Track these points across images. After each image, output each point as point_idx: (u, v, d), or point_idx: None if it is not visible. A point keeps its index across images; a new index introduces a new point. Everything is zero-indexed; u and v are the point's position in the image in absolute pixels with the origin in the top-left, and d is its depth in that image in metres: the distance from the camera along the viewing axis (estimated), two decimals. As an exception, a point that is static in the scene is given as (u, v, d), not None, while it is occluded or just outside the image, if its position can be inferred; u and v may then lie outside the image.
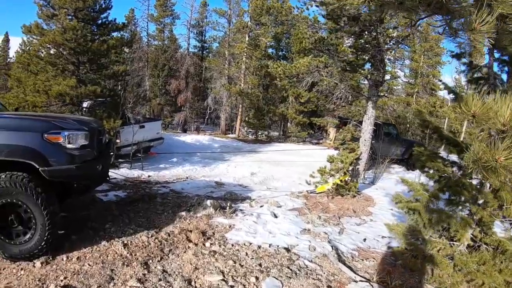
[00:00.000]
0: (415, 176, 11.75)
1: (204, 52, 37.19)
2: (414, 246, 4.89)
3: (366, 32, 9.55)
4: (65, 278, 4.11)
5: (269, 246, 5.52)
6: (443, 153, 5.39)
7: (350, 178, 9.62)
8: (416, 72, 28.91)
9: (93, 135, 4.97)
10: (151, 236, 5.46)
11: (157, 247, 5.14)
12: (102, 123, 7.07)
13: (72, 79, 10.99)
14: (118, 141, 12.53)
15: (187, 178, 11.50)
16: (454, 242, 4.66)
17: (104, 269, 4.37)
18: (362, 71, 10.57)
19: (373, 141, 10.65)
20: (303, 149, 20.75)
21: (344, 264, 5.24)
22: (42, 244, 4.31)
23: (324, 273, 4.85)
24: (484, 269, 4.24)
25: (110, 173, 9.91)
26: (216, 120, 36.23)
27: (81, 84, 11.16)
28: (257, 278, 4.48)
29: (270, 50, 29.25)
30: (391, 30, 10.17)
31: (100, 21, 12.61)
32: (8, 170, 4.26)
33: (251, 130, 29.24)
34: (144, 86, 32.03)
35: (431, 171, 5.00)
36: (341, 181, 9.32)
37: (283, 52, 30.02)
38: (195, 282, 4.30)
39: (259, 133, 28.29)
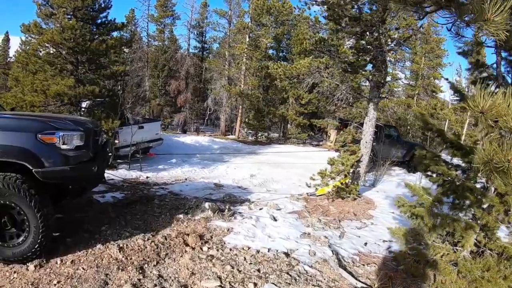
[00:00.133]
0: (416, 178, 11.69)
1: (204, 52, 37.12)
2: (416, 251, 4.78)
3: (367, 33, 9.46)
4: (58, 282, 4.01)
5: (268, 251, 5.40)
6: (443, 155, 5.29)
7: (350, 181, 9.51)
8: (417, 74, 28.90)
9: (89, 136, 4.85)
10: (148, 239, 5.35)
11: (153, 251, 5.02)
12: (98, 123, 6.95)
13: (70, 79, 10.90)
14: (116, 141, 12.45)
15: (186, 179, 11.38)
16: (458, 248, 4.55)
17: (99, 274, 4.26)
18: (363, 72, 10.50)
19: (374, 143, 10.56)
20: (303, 151, 20.64)
21: (345, 269, 5.12)
22: (36, 246, 4.22)
23: (324, 279, 4.73)
24: (489, 276, 4.13)
25: (108, 174, 9.87)
26: (216, 121, 36.21)
27: (79, 84, 11.05)
28: (255, 284, 4.36)
29: (270, 51, 29.23)
30: (392, 31, 10.07)
31: (99, 21, 12.52)
32: (1, 171, 4.16)
33: (251, 131, 29.21)
34: (144, 87, 31.98)
35: (434, 175, 4.89)
36: (341, 183, 9.21)
37: (284, 53, 29.94)
38: None
39: (259, 135, 28.23)
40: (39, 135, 4.27)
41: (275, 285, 4.38)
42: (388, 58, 11.93)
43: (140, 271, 4.41)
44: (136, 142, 13.01)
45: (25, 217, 4.17)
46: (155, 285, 4.14)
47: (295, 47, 23.75)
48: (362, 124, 10.20)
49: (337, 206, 8.85)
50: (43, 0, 11.71)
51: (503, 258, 4.25)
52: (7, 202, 4.11)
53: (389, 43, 10.09)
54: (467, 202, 4.52)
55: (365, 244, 6.42)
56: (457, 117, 26.59)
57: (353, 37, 10.02)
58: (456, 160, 4.89)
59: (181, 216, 6.67)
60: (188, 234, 5.65)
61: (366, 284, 4.80)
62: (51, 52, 11.69)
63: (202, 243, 5.44)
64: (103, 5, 12.29)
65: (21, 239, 4.22)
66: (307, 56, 12.60)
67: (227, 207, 7.25)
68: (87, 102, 12.19)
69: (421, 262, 4.68)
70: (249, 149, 20.95)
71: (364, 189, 10.79)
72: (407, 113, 26.85)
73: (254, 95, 26.91)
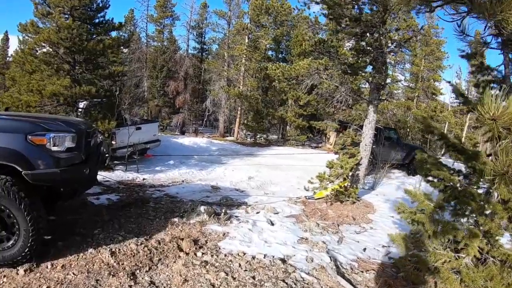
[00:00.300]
0: (415, 181, 11.58)
1: (204, 53, 36.95)
2: (417, 258, 4.65)
3: (368, 34, 9.35)
4: (48, 287, 3.92)
5: (264, 257, 5.25)
6: (443, 159, 5.17)
7: (350, 184, 9.40)
8: (416, 76, 28.83)
9: (81, 137, 4.73)
10: (141, 243, 5.20)
11: (146, 256, 4.89)
12: (92, 124, 6.82)
13: (66, 79, 10.80)
14: (113, 142, 12.36)
15: (183, 181, 11.29)
16: (460, 255, 4.42)
17: (89, 279, 4.15)
18: (363, 74, 10.38)
19: (373, 146, 10.45)
20: (302, 153, 20.52)
21: (343, 277, 4.98)
22: (26, 250, 4.12)
23: (321, 287, 4.59)
24: (492, 286, 4.00)
25: (104, 176, 9.77)
26: (215, 123, 36.13)
27: (75, 84, 10.95)
28: (250, 292, 4.23)
29: (270, 53, 29.22)
30: (392, 33, 9.97)
31: (97, 20, 12.43)
32: (-10, 173, 4.04)
33: (249, 133, 29.14)
34: (142, 87, 31.89)
35: (436, 180, 4.76)
36: (340, 187, 9.09)
37: (283, 55, 29.87)
38: (183, 295, 4.06)
39: (258, 136, 28.15)
40: (29, 137, 4.16)
41: (271, 293, 4.24)
42: (388, 60, 11.83)
43: (132, 277, 4.28)
44: (133, 143, 12.90)
45: (14, 220, 4.06)
46: (146, 292, 4.02)
47: (295, 49, 23.63)
48: (361, 127, 10.09)
49: (335, 209, 8.73)
50: (40, -1, 11.60)
51: (506, 266, 4.13)
52: (-3, 205, 3.99)
53: (390, 44, 9.99)
54: (469, 208, 4.40)
55: (364, 249, 6.30)
56: (456, 120, 26.56)
57: (353, 38, 9.90)
58: (457, 164, 4.77)
59: (176, 219, 6.53)
60: (182, 239, 5.51)
61: (364, 292, 4.67)
62: (48, 51, 11.57)
63: (196, 248, 5.30)
64: (100, 5, 12.21)
65: (10, 242, 4.12)
66: (307, 58, 12.48)
67: (223, 210, 7.13)
68: (85, 102, 12.10)
69: (422, 269, 4.55)
70: (248, 150, 20.86)
71: (363, 192, 10.67)
72: (407, 115, 26.81)
73: (253, 97, 26.80)
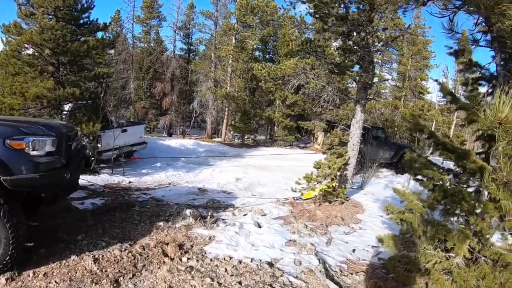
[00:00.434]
0: (404, 180, 11.56)
1: (190, 54, 36.65)
2: (407, 259, 4.57)
3: (354, 33, 9.27)
4: (29, 296, 3.78)
5: (251, 261, 5.12)
6: (431, 157, 5.11)
7: (338, 184, 9.31)
8: (403, 75, 28.98)
9: (61, 141, 4.58)
10: (125, 249, 5.06)
11: (130, 262, 4.74)
12: (73, 127, 6.63)
13: (49, 80, 10.56)
14: (99, 145, 12.15)
15: (169, 184, 11.16)
16: (451, 255, 4.34)
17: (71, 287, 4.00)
18: (350, 73, 10.30)
19: (361, 145, 10.39)
20: (290, 153, 20.44)
21: (332, 280, 4.87)
22: (7, 259, 4.00)
23: (310, 291, 4.48)
24: (484, 285, 3.92)
25: (89, 180, 9.60)
26: (202, 124, 35.95)
27: (59, 86, 10.71)
28: (236, 298, 4.09)
29: (257, 53, 29.09)
30: (379, 32, 9.90)
31: (81, 21, 12.19)
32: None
33: (237, 134, 29.02)
34: (128, 89, 31.58)
35: (425, 179, 4.68)
36: (328, 187, 9.00)
37: (270, 55, 29.72)
38: (168, 303, 3.92)
39: (246, 137, 28.03)
40: (7, 141, 4.00)
41: (258, 299, 4.12)
42: (375, 59, 11.78)
43: (115, 285, 4.16)
44: (119, 145, 12.68)
45: (-6, 228, 3.90)
46: (129, 300, 3.87)
47: (282, 49, 23.55)
48: (349, 126, 10.01)
49: (324, 210, 8.64)
50: (24, -1, 11.35)
51: (498, 265, 4.06)
52: (-26, 213, 3.85)
53: (377, 43, 9.92)
54: (460, 207, 4.33)
55: (353, 250, 6.21)
56: (444, 118, 26.72)
57: (340, 37, 9.81)
58: (446, 163, 4.70)
59: (161, 223, 6.41)
60: (167, 244, 5.37)
61: (354, 295, 4.56)
62: (31, 53, 11.34)
63: (181, 253, 5.16)
64: (85, 5, 11.98)
65: (-9, 250, 3.96)
66: (293, 57, 12.39)
67: (209, 213, 6.99)
68: (70, 105, 11.86)
69: (412, 270, 4.46)
70: (235, 152, 20.73)
71: (352, 192, 10.61)
72: (394, 114, 26.91)
73: (240, 97, 26.66)
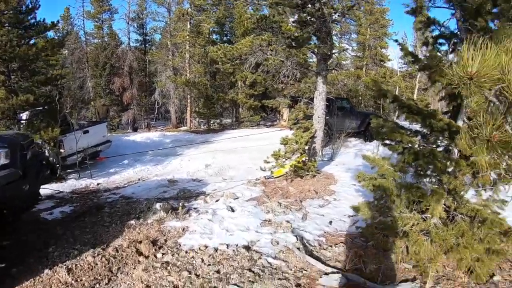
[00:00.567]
0: (373, 147, 11.60)
1: (147, 45, 35.67)
2: (384, 225, 4.52)
3: (309, 4, 9.09)
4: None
5: (227, 247, 4.99)
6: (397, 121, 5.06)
7: (307, 158, 9.23)
8: (363, 45, 29.24)
9: (15, 152, 4.26)
10: (98, 254, 4.85)
11: (105, 267, 4.55)
12: (27, 135, 6.26)
13: (0, 90, 9.97)
14: (62, 150, 11.68)
15: (138, 180, 10.93)
16: (427, 215, 4.30)
17: (47, 304, 3.78)
18: (308, 45, 10.17)
19: (327, 117, 10.33)
20: (257, 133, 20.32)
21: (312, 255, 4.78)
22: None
23: (291, 270, 4.38)
24: (464, 242, 3.90)
25: (55, 188, 9.24)
26: (166, 115, 35.42)
27: (12, 95, 10.13)
28: (215, 288, 3.95)
29: (214, 36, 28.65)
30: (334, 3, 9.78)
31: (28, 23, 11.58)
32: None
33: (202, 120, 28.73)
34: (86, 88, 30.67)
35: (394, 143, 4.61)
36: (298, 162, 8.92)
37: (228, 37, 29.28)
38: (146, 303, 3.75)
39: (211, 122, 27.77)
40: None
41: (238, 286, 3.97)
42: (334, 32, 11.68)
43: (92, 293, 3.94)
44: (82, 148, 12.26)
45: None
46: (106, 306, 3.69)
47: (239, 29, 23.17)
48: (312, 99, 9.90)
49: (296, 186, 8.56)
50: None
51: (476, 222, 4.05)
52: None
53: (333, 14, 9.79)
54: (431, 167, 4.29)
55: (330, 222, 6.15)
56: (406, 84, 27.12)
57: (295, 10, 9.62)
58: (412, 126, 4.64)
59: (132, 222, 6.21)
60: (140, 242, 5.17)
61: (336, 267, 4.48)
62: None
63: (156, 250, 4.99)
64: (30, 6, 11.43)
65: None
66: (249, 36, 12.15)
67: (181, 204, 6.83)
68: (27, 113, 11.30)
69: (390, 235, 4.42)
70: (202, 138, 20.47)
71: (323, 164, 10.59)
72: (358, 84, 27.10)
73: (201, 83, 26.22)
